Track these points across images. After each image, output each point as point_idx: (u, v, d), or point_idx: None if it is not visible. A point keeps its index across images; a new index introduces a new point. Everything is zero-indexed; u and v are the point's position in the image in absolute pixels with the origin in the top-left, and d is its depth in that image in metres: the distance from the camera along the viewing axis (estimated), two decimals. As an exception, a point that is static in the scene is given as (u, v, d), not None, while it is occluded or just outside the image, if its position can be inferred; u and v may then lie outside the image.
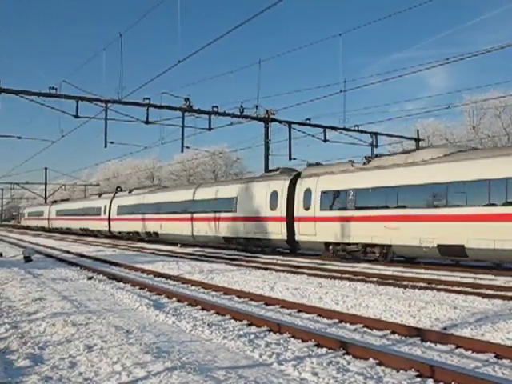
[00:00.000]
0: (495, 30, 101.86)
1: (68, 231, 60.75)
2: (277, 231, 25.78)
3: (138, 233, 41.50)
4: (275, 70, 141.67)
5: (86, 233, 54.32)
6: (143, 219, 40.05)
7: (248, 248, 28.92)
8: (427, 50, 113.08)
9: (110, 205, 47.59)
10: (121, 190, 56.49)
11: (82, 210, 54.57)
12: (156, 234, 38.53)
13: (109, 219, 47.37)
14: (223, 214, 30.41)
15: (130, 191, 46.35)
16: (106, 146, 28.99)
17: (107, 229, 47.76)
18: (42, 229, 72.02)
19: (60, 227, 63.46)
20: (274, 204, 26.04)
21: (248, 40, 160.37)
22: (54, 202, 72.81)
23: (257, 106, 32.86)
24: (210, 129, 31.33)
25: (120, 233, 45.46)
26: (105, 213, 48.38)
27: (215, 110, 31.16)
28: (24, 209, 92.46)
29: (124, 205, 44.51)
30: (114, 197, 48.35)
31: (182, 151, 33.69)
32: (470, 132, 53.78)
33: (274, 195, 26.07)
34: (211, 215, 31.47)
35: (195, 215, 33.18)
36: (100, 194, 55.02)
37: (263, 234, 26.79)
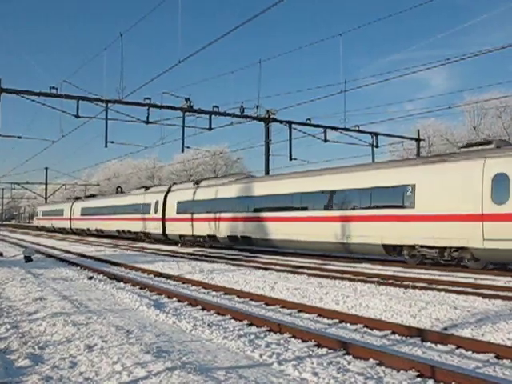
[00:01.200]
0: (493, 31, 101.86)
1: (98, 233, 51.58)
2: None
3: (212, 236, 32.00)
4: (276, 70, 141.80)
5: (124, 236, 45.38)
6: (226, 219, 30.37)
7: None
8: (426, 51, 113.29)
9: (165, 201, 37.84)
10: (121, 191, 56.21)
11: (121, 208, 45.02)
12: (248, 238, 28.73)
13: (163, 219, 37.62)
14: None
15: (197, 182, 35.84)
16: (106, 146, 29.03)
17: (160, 231, 37.99)
18: (62, 231, 63.00)
19: (86, 228, 54.21)
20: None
21: (249, 40, 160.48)
22: (77, 198, 63.97)
23: (257, 106, 32.88)
24: (210, 129, 31.34)
25: (182, 237, 35.64)
26: (156, 211, 38.61)
27: (216, 109, 31.18)
28: (37, 207, 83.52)
29: (189, 200, 34.57)
30: (169, 190, 38.51)
31: (183, 151, 33.76)
32: (470, 132, 53.84)
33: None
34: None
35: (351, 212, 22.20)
36: (146, 188, 44.37)
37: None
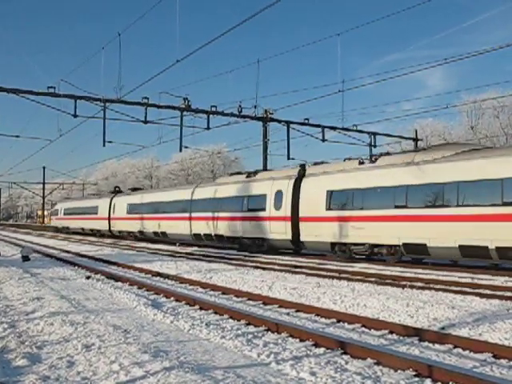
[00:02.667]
0: (494, 30, 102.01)
1: (159, 238, 38.72)
2: None
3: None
4: (274, 69, 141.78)
5: (220, 244, 32.26)
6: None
7: None
8: (425, 51, 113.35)
9: (295, 190, 25.38)
10: (119, 190, 55.86)
11: (215, 203, 31.03)
12: None
13: (293, 219, 25.01)
14: None
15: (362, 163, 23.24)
16: (104, 146, 28.95)
17: (289, 237, 25.33)
18: (95, 233, 51.19)
19: (137, 231, 41.32)
20: None
21: (247, 39, 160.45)
22: (117, 192, 51.72)
23: (255, 106, 32.83)
24: (208, 128, 31.31)
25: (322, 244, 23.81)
26: (278, 206, 25.83)
27: (214, 109, 31.14)
28: (58, 204, 68.75)
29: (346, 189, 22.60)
30: (304, 174, 25.85)
31: (181, 151, 33.63)
32: (468, 132, 53.91)
33: None
34: None
35: None
36: (249, 174, 30.65)
37: None
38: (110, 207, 46.99)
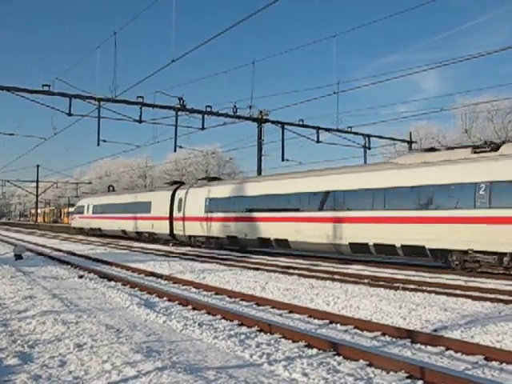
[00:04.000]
0: (487, 35, 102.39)
1: (282, 249, 27.16)
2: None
3: None
4: (269, 70, 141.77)
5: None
6: None
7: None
8: (421, 53, 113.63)
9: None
10: (113, 189, 55.67)
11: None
12: None
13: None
14: None
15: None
16: (98, 145, 28.97)
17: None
18: (149, 238, 38.71)
19: (243, 235, 28.36)
20: None
21: (242, 40, 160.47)
22: (178, 183, 39.86)
23: (250, 107, 32.91)
24: (203, 128, 31.35)
25: None
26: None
27: (208, 109, 31.19)
28: (81, 199, 56.97)
29: None
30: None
31: (175, 150, 33.74)
32: (462, 135, 54.06)
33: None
34: None
35: None
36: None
37: None
38: (172, 203, 34.90)
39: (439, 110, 44.62)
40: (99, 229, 47.47)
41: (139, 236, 40.05)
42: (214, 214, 30.56)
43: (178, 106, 30.04)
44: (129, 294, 13.40)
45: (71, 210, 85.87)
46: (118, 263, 21.45)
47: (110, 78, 26.87)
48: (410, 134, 42.23)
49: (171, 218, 34.90)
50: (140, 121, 29.46)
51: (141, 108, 29.27)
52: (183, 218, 33.51)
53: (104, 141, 29.92)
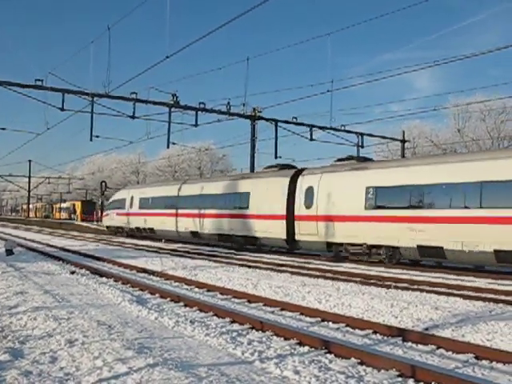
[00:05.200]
0: (481, 34, 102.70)
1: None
2: None
3: None
4: (263, 67, 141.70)
5: None
6: None
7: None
8: (415, 52, 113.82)
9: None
10: (105, 185, 55.27)
11: None
12: None
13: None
14: None
15: None
16: (91, 140, 28.84)
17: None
18: (246, 245, 28.06)
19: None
20: None
21: (237, 37, 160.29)
22: (292, 168, 27.84)
23: (244, 104, 32.90)
24: (196, 125, 31.33)
25: None
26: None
27: (202, 106, 31.15)
28: (120, 191, 45.43)
29: None
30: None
31: (168, 147, 33.66)
32: (455, 135, 54.24)
33: None
34: None
35: None
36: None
37: None
38: (291, 195, 24.89)
39: (432, 110, 44.87)
40: (149, 229, 36.64)
41: (225, 240, 29.33)
42: (387, 212, 20.55)
43: (172, 103, 29.99)
44: (121, 290, 13.38)
45: (64, 205, 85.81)
46: (110, 259, 21.42)
47: (104, 74, 26.82)
48: (403, 132, 42.28)
49: (289, 217, 24.68)
50: (133, 117, 29.37)
51: (134, 104, 29.19)
52: (316, 217, 23.36)
53: (97, 136, 29.81)
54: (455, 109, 50.87)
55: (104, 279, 15.74)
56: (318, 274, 17.14)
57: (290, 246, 25.30)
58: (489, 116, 52.68)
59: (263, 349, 7.70)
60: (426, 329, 9.35)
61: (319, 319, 10.24)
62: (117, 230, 42.89)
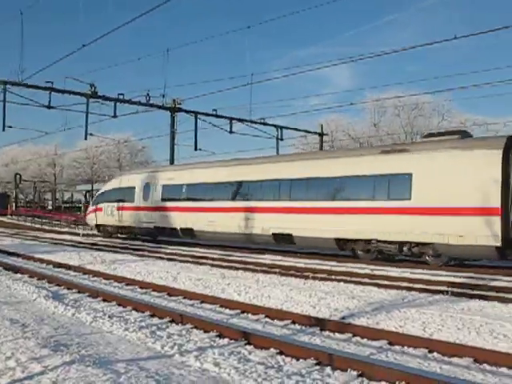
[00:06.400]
0: (398, 32, 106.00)
1: None
2: None
3: None
4: (184, 59, 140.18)
5: None
6: None
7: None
8: (334, 48, 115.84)
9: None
10: (20, 178, 53.12)
11: None
12: None
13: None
14: None
15: None
16: (3, 130, 27.75)
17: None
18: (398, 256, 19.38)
19: None
20: None
21: (157, 27, 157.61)
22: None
23: (163, 95, 32.64)
24: (115, 116, 30.80)
25: None
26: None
27: (121, 97, 30.65)
28: (116, 179, 33.34)
29: None
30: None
31: (86, 138, 32.78)
32: (371, 129, 55.94)
33: None
34: None
35: None
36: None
37: None
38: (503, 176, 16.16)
39: (349, 104, 46.05)
40: (189, 229, 25.81)
41: (365, 249, 19.47)
42: None
43: (90, 93, 29.33)
44: (36, 286, 12.96)
45: None
46: (26, 254, 20.68)
47: (17, 61, 25.91)
48: (322, 126, 43.15)
49: (506, 212, 16.05)
50: (49, 107, 28.48)
51: (50, 93, 28.29)
52: None
53: (10, 127, 28.76)
54: (371, 104, 52.48)
55: (18, 275, 15.19)
56: (237, 266, 17.24)
57: (504, 255, 16.51)
58: (403, 111, 54.72)
59: (183, 342, 7.69)
60: (343, 318, 9.62)
61: (239, 311, 10.32)
62: (117, 231, 31.84)
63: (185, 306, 11.07)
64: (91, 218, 33.77)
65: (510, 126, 47.12)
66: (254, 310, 10.24)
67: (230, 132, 35.47)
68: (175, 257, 20.20)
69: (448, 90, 31.86)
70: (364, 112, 59.18)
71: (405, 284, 13.35)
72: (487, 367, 6.85)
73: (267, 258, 19.94)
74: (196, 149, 34.49)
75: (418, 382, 5.78)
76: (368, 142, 53.99)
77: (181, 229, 26.33)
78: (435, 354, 7.41)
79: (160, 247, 25.06)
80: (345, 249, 20.18)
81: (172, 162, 35.26)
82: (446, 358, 7.21)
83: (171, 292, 12.41)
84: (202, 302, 11.28)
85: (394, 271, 16.12)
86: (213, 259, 19.39)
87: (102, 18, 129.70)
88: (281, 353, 7.21)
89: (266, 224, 22.03)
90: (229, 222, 23.49)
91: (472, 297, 11.56)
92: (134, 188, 29.80)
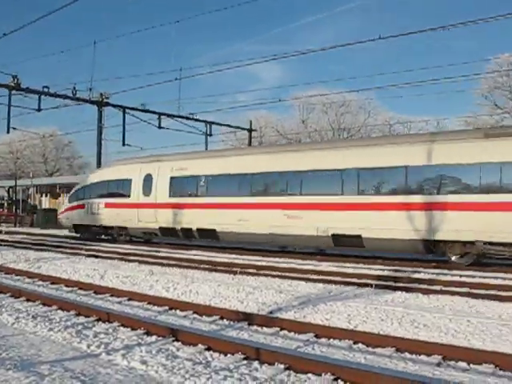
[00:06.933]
0: (324, 31, 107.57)
1: None
2: None
3: None
4: (112, 52, 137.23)
5: None
6: None
7: None
8: (262, 45, 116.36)
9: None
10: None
11: None
12: None
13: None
14: None
15: None
16: None
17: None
18: None
19: None
20: None
21: (84, 19, 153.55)
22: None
23: (90, 89, 31.98)
24: (39, 110, 29.87)
25: None
26: None
27: (46, 90, 29.76)
28: (104, 169, 28.81)
29: None
30: None
31: (8, 132, 31.64)
32: (299, 126, 56.76)
33: None
34: None
35: None
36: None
37: None
38: None
39: (277, 101, 46.57)
40: (209, 230, 22.04)
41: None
42: None
43: (12, 85, 28.32)
44: (-47, 287, 12.42)
45: None
46: None
47: None
48: (251, 122, 43.36)
49: None
50: (-33, 99, 27.34)
51: (-32, 85, 27.17)
52: None
53: None
54: (299, 100, 53.18)
55: None
56: (166, 262, 17.13)
57: None
58: (330, 108, 55.82)
59: (110, 341, 7.58)
60: (271, 312, 9.75)
61: (167, 308, 10.27)
62: (105, 232, 27.55)
63: (112, 303, 10.91)
64: (67, 217, 29.00)
65: (432, 124, 48.95)
66: (182, 306, 10.21)
67: (159, 127, 35.16)
68: (103, 254, 19.84)
69: (368, 90, 32.72)
70: (292, 109, 60.00)
71: (331, 278, 13.64)
72: (408, 355, 7.12)
73: (195, 254, 19.90)
74: (124, 144, 33.98)
75: (343, 373, 5.94)
76: (297, 139, 54.77)
77: (198, 229, 22.47)
78: (360, 345, 7.63)
79: (85, 244, 24.52)
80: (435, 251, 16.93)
81: (99, 157, 34.53)
82: (370, 349, 7.43)
83: (98, 290, 12.20)
84: (129, 300, 11.15)
85: (322, 265, 16.45)
86: (141, 256, 19.18)
87: (27, 5, 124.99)
88: (209, 348, 7.22)
89: (323, 224, 18.36)
90: (269, 221, 19.87)
91: (396, 289, 11.96)
92: (130, 180, 25.41)
